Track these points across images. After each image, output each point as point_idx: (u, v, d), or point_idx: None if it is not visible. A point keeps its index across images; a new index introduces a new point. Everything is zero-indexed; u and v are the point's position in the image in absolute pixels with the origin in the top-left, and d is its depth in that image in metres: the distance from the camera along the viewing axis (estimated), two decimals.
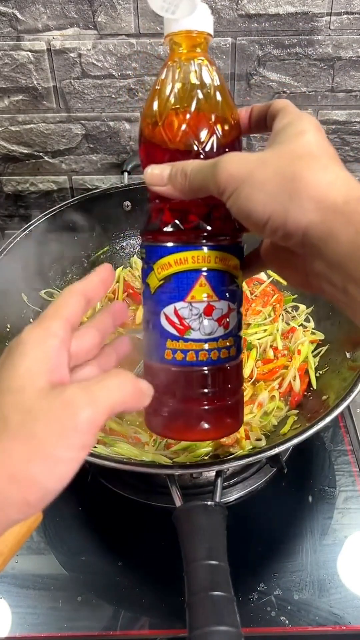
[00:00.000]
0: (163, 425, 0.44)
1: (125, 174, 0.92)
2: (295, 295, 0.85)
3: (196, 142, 0.38)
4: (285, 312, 0.83)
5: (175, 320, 0.40)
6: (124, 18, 0.86)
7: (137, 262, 0.92)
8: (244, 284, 0.49)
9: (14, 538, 0.43)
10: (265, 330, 0.78)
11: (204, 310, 0.40)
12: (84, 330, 0.37)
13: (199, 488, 0.67)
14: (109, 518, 0.69)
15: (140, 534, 0.67)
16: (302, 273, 0.36)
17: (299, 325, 0.80)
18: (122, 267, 0.91)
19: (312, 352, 0.75)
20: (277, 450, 0.52)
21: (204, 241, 0.40)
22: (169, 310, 0.40)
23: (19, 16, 0.86)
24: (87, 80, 0.92)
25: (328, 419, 0.54)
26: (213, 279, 0.40)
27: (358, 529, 0.67)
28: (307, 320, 0.81)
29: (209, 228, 0.39)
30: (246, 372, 0.71)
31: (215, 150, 0.38)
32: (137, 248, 0.93)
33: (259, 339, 0.77)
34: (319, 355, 0.74)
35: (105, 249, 0.91)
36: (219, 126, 0.39)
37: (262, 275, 0.87)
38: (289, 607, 0.58)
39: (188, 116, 0.38)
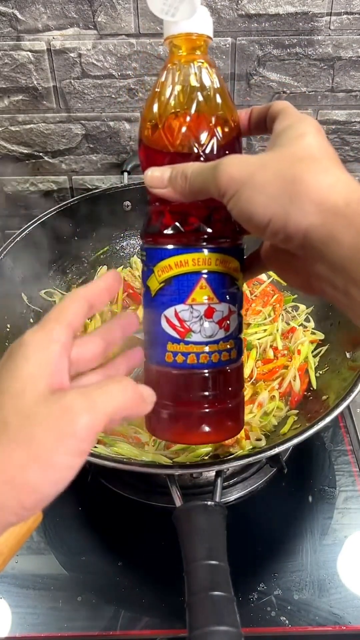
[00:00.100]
0: (163, 428, 0.44)
1: (125, 174, 0.92)
2: (295, 295, 0.85)
3: (196, 145, 0.38)
4: (285, 312, 0.83)
5: (176, 322, 0.40)
6: (124, 18, 0.86)
7: (137, 262, 0.92)
8: (243, 284, 0.49)
9: (14, 538, 0.43)
10: (265, 330, 0.78)
11: (205, 313, 0.40)
12: (88, 338, 0.36)
13: (199, 488, 0.67)
14: (109, 518, 0.69)
15: (140, 534, 0.67)
16: (302, 275, 0.36)
17: (299, 325, 0.80)
18: (122, 267, 0.91)
19: (312, 352, 0.75)
20: (277, 450, 0.53)
21: (205, 243, 0.40)
22: (169, 312, 0.41)
23: (19, 16, 0.86)
24: (87, 80, 0.92)
25: (328, 419, 0.54)
26: (214, 282, 0.40)
27: (358, 529, 0.67)
28: (307, 320, 0.81)
29: (209, 230, 0.39)
30: (246, 372, 0.71)
31: (215, 152, 0.38)
32: (137, 248, 0.93)
33: (259, 339, 0.77)
34: (319, 355, 0.74)
35: (105, 249, 0.91)
36: (219, 128, 0.39)
37: (262, 276, 0.87)
38: (289, 607, 0.58)
39: (188, 119, 0.38)
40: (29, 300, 0.78)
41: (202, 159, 0.38)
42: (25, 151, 0.99)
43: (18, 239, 0.76)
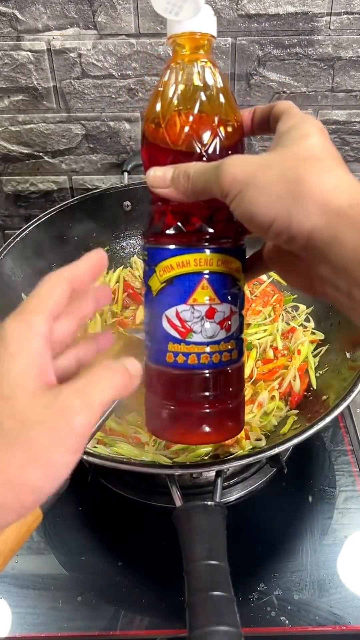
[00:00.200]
0: (164, 428, 0.44)
1: (125, 174, 0.92)
2: (295, 295, 0.85)
3: (199, 144, 0.38)
4: (285, 312, 0.83)
5: (177, 323, 0.40)
6: (124, 18, 0.86)
7: (137, 262, 0.91)
8: (245, 284, 0.49)
9: (14, 538, 0.43)
10: (265, 330, 0.79)
11: (206, 313, 0.40)
12: (63, 318, 0.35)
13: (199, 488, 0.67)
14: (109, 518, 0.69)
15: (140, 534, 0.67)
16: (305, 276, 0.36)
17: (299, 325, 0.80)
18: (122, 267, 0.91)
19: (312, 352, 0.75)
20: (277, 450, 0.53)
21: (207, 244, 0.40)
22: (170, 312, 0.41)
23: (19, 16, 0.86)
24: (87, 80, 0.92)
25: (328, 419, 0.54)
26: (215, 282, 0.40)
27: (358, 529, 0.67)
28: (307, 320, 0.81)
29: (211, 231, 0.39)
30: (246, 372, 0.71)
31: (218, 152, 0.38)
32: (137, 248, 0.93)
33: (259, 339, 0.77)
34: (319, 355, 0.74)
35: (105, 249, 0.91)
36: (222, 128, 0.39)
37: (262, 276, 0.87)
38: (289, 607, 0.59)
39: (191, 118, 0.38)
40: None
41: (204, 158, 0.38)
42: (25, 151, 0.99)
43: (18, 239, 0.76)
